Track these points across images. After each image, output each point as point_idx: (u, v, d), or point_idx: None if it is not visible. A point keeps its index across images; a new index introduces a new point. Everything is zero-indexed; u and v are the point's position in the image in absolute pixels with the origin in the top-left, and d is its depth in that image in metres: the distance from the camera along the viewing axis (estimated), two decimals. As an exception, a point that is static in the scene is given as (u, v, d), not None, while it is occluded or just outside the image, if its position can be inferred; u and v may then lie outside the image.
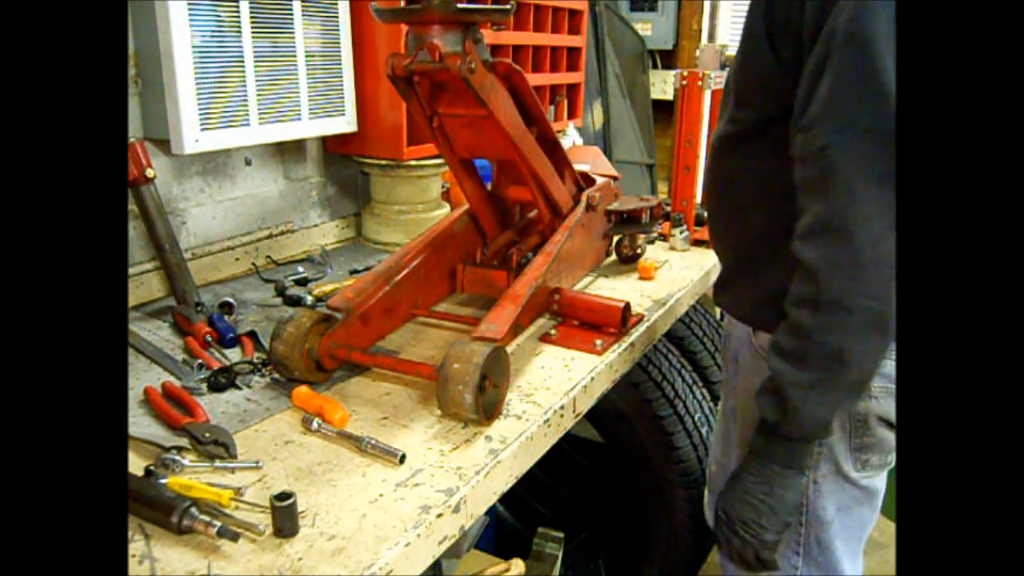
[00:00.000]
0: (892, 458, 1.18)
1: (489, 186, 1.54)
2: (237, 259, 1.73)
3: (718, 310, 2.16)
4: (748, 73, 1.09)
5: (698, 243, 1.92)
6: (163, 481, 0.87)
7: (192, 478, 0.89)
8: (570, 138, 2.42)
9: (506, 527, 2.27)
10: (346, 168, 2.03)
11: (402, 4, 1.08)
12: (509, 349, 1.25)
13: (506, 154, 1.32)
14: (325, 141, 1.92)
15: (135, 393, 1.10)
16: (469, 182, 1.43)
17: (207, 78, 1.45)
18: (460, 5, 1.03)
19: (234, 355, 1.27)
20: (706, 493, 1.54)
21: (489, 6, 1.08)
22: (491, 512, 1.40)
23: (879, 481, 1.20)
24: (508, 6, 1.08)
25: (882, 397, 1.10)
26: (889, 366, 1.09)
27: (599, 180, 1.65)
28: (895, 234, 0.87)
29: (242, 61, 1.51)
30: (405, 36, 1.13)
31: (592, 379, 1.21)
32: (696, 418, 1.81)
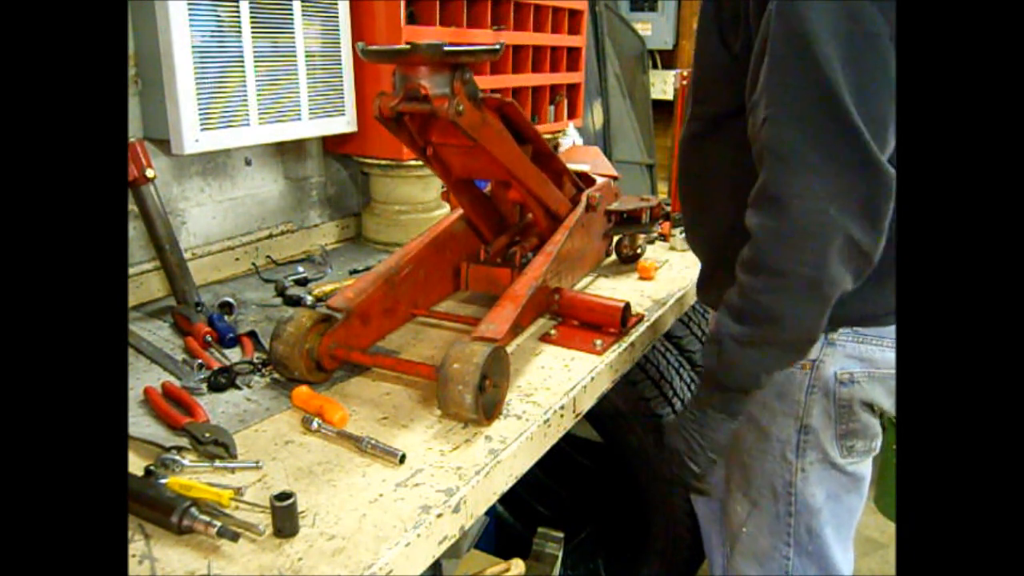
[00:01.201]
0: (876, 444, 1.20)
1: (488, 188, 1.54)
2: (237, 259, 1.73)
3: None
4: (704, 69, 1.11)
5: (698, 243, 1.92)
6: (163, 481, 0.87)
7: (192, 478, 0.89)
8: (570, 138, 2.42)
9: (506, 527, 2.27)
10: (346, 168, 2.03)
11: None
12: (509, 349, 1.25)
13: (502, 176, 1.33)
14: (325, 141, 1.92)
15: (135, 393, 1.10)
16: (466, 198, 1.43)
17: (207, 78, 1.45)
18: (448, 48, 1.02)
19: (234, 355, 1.27)
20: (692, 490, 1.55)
21: (477, 47, 1.07)
22: (491, 512, 1.40)
23: (864, 468, 1.21)
24: (496, 46, 1.08)
25: (865, 382, 1.12)
26: (871, 351, 1.11)
27: (599, 180, 1.65)
28: (843, 205, 0.88)
29: (242, 61, 1.51)
30: (393, 74, 1.12)
31: (592, 379, 1.21)
32: (696, 418, 1.81)
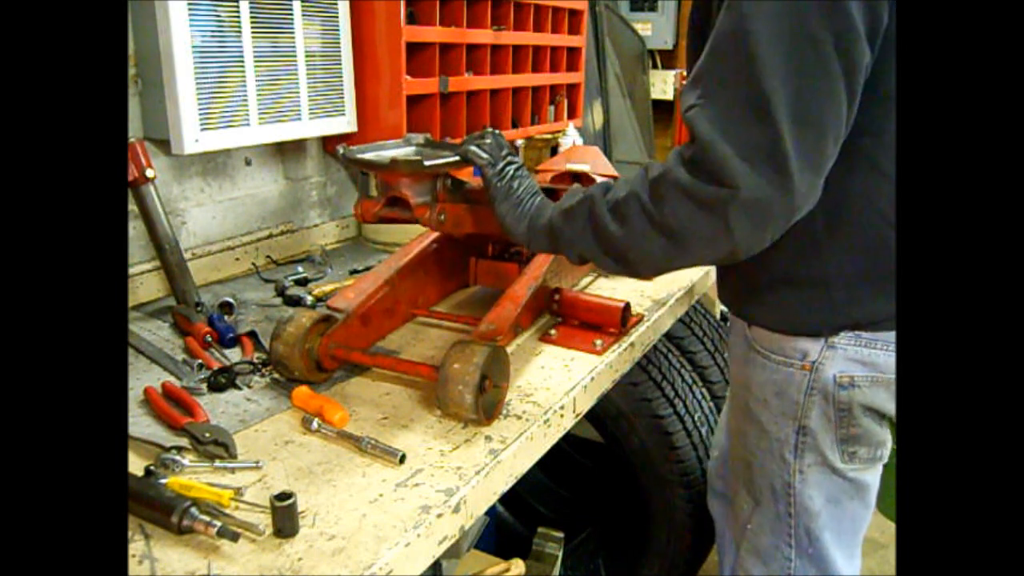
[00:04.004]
0: (883, 452, 1.18)
1: None
2: (237, 259, 1.73)
3: (717, 310, 2.17)
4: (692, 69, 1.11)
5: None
6: (163, 481, 0.87)
7: (192, 478, 0.89)
8: (570, 138, 2.42)
9: (506, 527, 2.27)
10: (346, 168, 2.03)
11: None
12: (509, 349, 1.25)
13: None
14: (325, 141, 1.92)
15: (135, 393, 1.10)
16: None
17: (207, 78, 1.45)
18: (429, 163, 1.03)
19: (234, 355, 1.27)
20: (709, 476, 1.54)
21: (458, 157, 1.07)
22: (491, 512, 1.40)
23: (870, 476, 1.19)
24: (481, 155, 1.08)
25: (866, 386, 1.10)
26: (875, 355, 1.09)
27: (599, 180, 1.65)
28: (742, 206, 0.86)
29: (242, 61, 1.51)
30: (376, 178, 1.12)
31: (592, 379, 1.21)
32: (696, 417, 1.81)
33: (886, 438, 1.17)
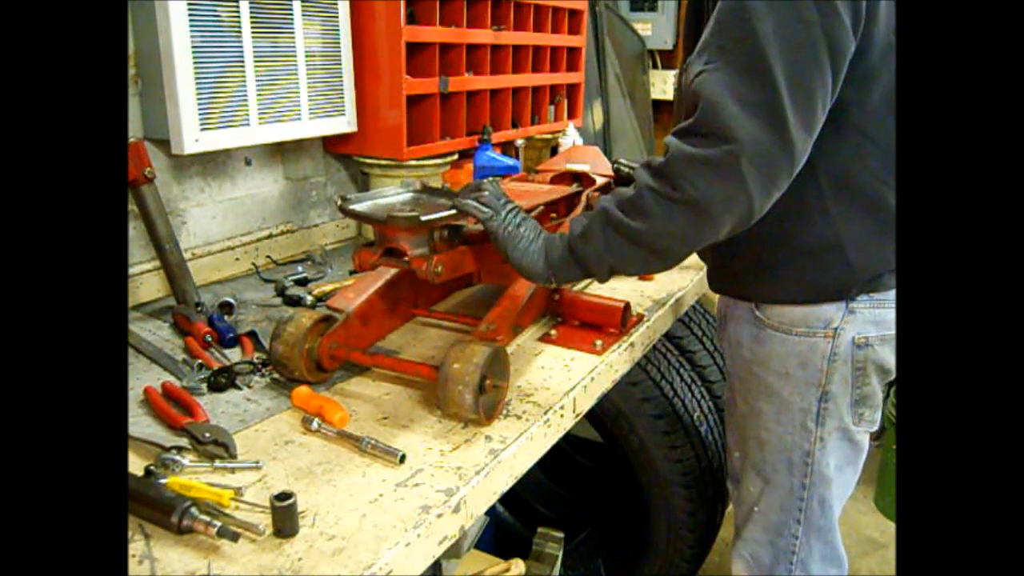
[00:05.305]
0: (878, 416, 1.25)
1: None
2: (237, 259, 1.73)
3: (717, 309, 2.17)
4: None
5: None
6: (163, 481, 0.87)
7: (192, 478, 0.89)
8: (570, 138, 2.42)
9: (506, 527, 2.27)
10: (346, 168, 2.03)
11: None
12: (509, 349, 1.25)
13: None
14: (325, 141, 1.92)
15: (135, 393, 1.10)
16: None
17: (207, 78, 1.45)
18: (425, 217, 1.04)
19: (234, 355, 1.27)
20: (729, 485, 1.54)
21: (454, 209, 1.08)
22: (491, 512, 1.40)
23: (866, 440, 1.26)
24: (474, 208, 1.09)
25: (877, 345, 1.16)
26: (885, 314, 1.15)
27: (599, 180, 1.65)
28: (751, 160, 0.93)
29: (242, 61, 1.51)
30: (374, 228, 1.13)
31: (592, 379, 1.21)
32: (695, 417, 1.81)
33: (880, 402, 1.24)
